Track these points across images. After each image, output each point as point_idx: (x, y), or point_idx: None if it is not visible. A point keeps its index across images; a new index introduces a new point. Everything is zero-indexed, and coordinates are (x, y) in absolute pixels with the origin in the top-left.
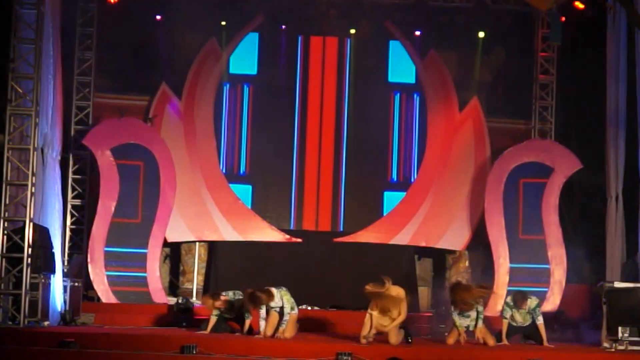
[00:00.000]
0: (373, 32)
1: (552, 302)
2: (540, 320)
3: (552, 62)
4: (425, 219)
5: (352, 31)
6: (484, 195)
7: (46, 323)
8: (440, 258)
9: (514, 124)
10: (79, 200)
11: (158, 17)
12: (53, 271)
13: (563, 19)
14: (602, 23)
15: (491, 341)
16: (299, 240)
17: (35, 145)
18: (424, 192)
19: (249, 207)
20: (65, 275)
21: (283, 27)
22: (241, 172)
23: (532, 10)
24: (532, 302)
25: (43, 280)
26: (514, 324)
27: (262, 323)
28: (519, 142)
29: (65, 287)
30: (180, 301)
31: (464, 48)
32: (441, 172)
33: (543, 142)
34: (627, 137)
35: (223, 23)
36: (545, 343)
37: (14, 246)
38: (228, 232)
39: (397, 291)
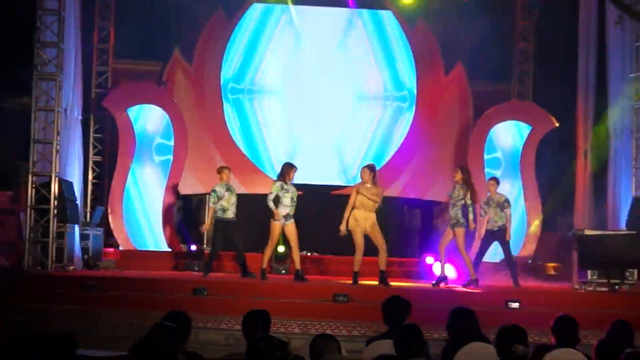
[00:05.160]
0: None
1: (528, 249)
2: (509, 212)
3: (530, 30)
4: (414, 173)
5: None
6: (467, 151)
7: (71, 268)
8: (427, 209)
9: (495, 87)
10: (99, 157)
11: None
12: (78, 221)
13: None
14: None
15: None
16: (300, 192)
17: (60, 107)
18: (413, 150)
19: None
20: (87, 224)
21: None
22: None
23: None
24: (500, 197)
25: (68, 230)
26: (489, 226)
27: (271, 204)
28: (499, 104)
29: (87, 236)
30: (192, 248)
31: (449, 16)
32: (429, 132)
33: (521, 103)
34: (596, 98)
35: None
36: (508, 235)
37: (42, 198)
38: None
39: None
